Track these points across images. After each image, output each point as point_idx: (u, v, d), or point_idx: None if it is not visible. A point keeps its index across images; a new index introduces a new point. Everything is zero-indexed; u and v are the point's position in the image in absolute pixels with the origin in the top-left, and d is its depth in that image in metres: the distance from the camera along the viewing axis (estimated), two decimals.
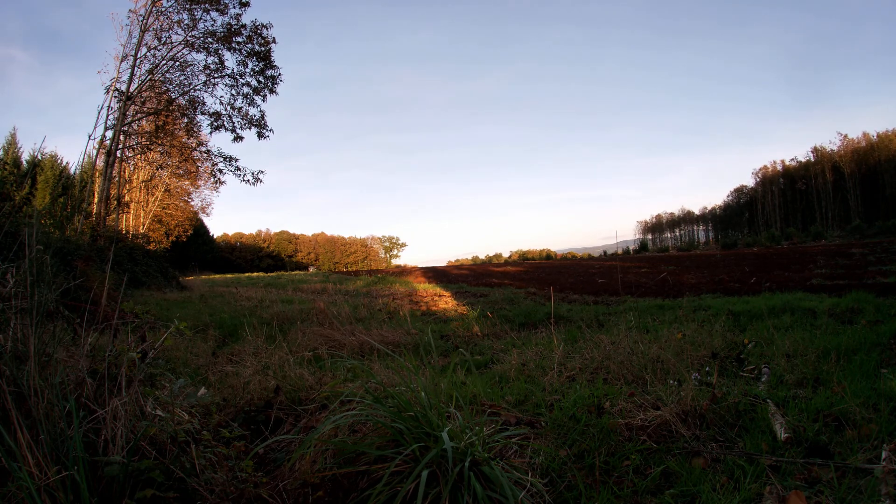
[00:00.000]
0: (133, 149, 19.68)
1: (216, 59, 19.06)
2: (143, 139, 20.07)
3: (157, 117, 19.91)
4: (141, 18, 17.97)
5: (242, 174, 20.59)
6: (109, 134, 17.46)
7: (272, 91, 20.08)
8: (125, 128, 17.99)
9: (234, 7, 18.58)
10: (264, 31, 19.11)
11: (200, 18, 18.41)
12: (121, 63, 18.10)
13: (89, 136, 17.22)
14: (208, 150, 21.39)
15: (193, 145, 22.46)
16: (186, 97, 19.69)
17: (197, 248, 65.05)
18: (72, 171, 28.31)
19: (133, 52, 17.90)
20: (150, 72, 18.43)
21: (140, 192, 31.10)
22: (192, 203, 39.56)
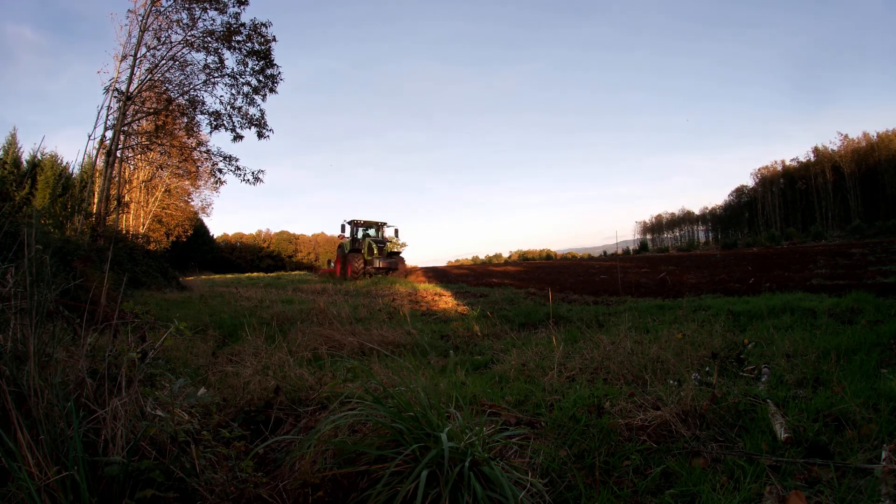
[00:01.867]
0: (133, 149, 19.66)
1: (216, 59, 19.04)
2: (143, 139, 20.04)
3: (156, 117, 19.88)
4: (140, 18, 17.95)
5: (242, 174, 20.56)
6: (109, 134, 17.45)
7: (272, 90, 20.05)
8: (125, 128, 17.97)
9: (233, 6, 18.57)
10: (264, 30, 19.07)
11: (199, 17, 18.38)
12: (120, 63, 18.10)
13: (89, 136, 17.21)
14: (208, 150, 21.39)
15: (193, 145, 22.46)
16: (186, 97, 19.67)
17: (197, 248, 64.93)
18: (71, 172, 28.32)
19: (132, 52, 17.89)
20: (150, 71, 18.41)
21: (140, 192, 31.09)
22: (192, 203, 39.64)
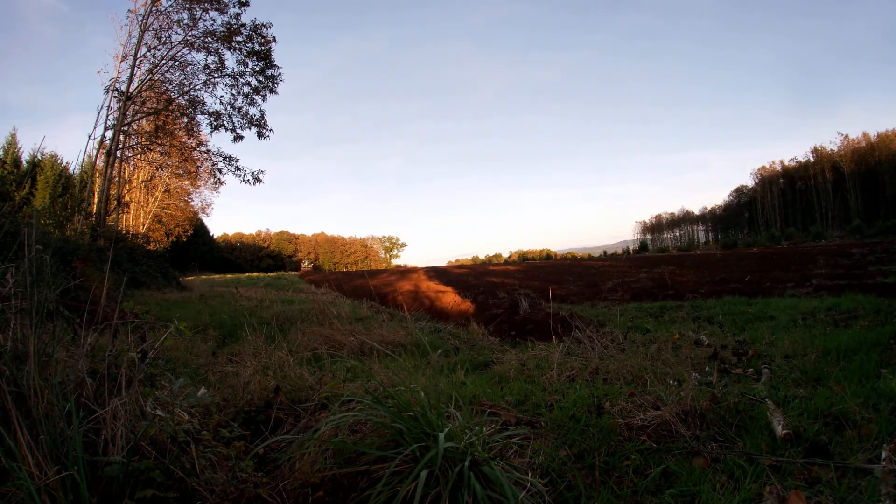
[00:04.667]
0: (133, 149, 19.65)
1: (216, 59, 19.04)
2: (143, 139, 20.03)
3: (156, 117, 19.87)
4: (140, 18, 17.95)
5: (242, 174, 20.57)
6: (109, 134, 17.44)
7: (272, 91, 20.04)
8: (125, 128, 17.96)
9: (234, 6, 18.57)
10: (264, 31, 19.07)
11: (200, 18, 18.38)
12: (120, 63, 18.09)
13: (89, 136, 17.22)
14: (208, 150, 21.38)
15: (193, 145, 22.45)
16: (186, 97, 19.67)
17: (197, 248, 64.89)
18: (72, 172, 28.29)
19: (133, 52, 17.88)
20: (150, 71, 18.41)
21: (140, 192, 31.06)
22: (192, 203, 39.54)
